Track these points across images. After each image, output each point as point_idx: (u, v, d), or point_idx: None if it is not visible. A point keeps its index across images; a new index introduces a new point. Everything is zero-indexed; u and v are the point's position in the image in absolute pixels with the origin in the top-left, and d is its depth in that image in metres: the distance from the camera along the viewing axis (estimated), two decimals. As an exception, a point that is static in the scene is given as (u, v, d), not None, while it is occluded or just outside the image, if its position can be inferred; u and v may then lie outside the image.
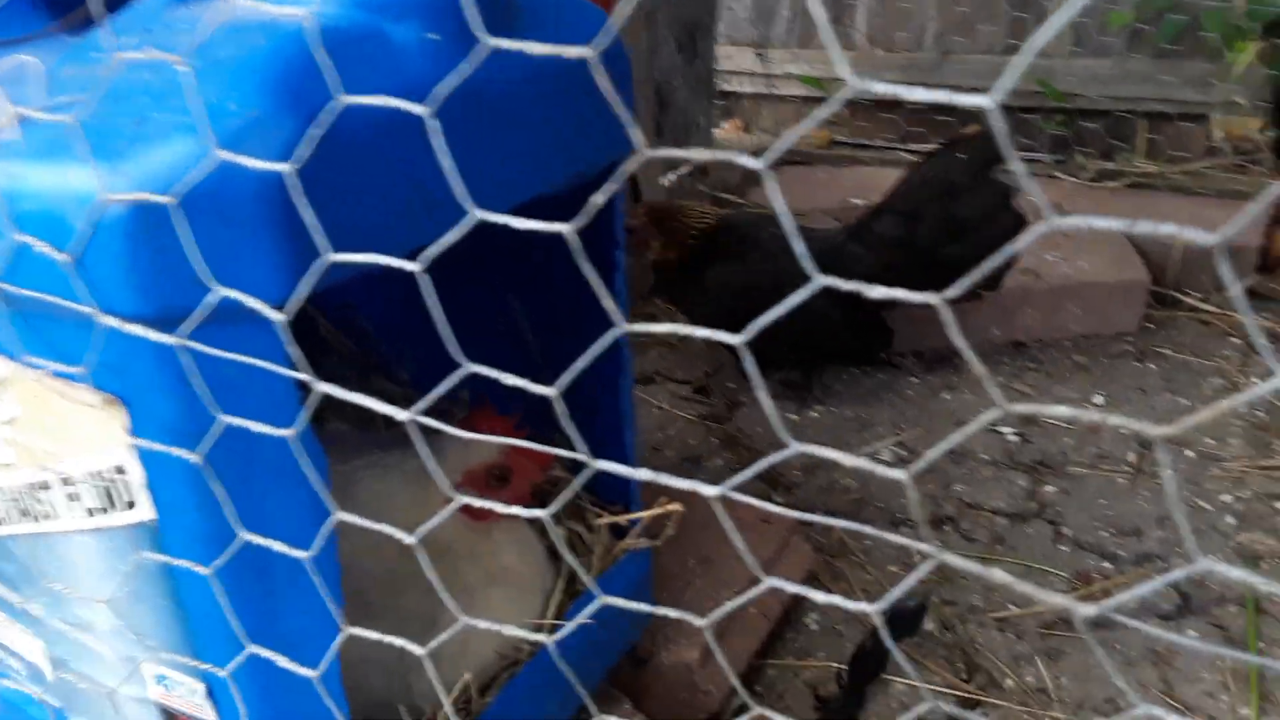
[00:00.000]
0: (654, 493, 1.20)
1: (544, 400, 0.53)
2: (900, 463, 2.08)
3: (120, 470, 0.80)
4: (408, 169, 0.76)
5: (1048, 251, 2.64)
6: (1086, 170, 3.21)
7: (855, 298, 2.23)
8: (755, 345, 0.46)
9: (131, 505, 0.81)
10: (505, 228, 0.51)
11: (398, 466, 1.15)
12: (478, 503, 0.61)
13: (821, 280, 0.43)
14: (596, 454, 0.54)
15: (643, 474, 0.53)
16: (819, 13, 0.45)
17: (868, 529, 0.50)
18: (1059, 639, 1.60)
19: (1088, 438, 2.14)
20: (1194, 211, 2.86)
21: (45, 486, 0.88)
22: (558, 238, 0.48)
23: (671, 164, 3.23)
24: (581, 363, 0.54)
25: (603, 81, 0.44)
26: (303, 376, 0.63)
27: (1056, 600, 0.43)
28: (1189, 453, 2.06)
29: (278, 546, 0.70)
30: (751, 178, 3.21)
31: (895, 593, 0.48)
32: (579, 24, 0.95)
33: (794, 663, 1.57)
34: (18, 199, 0.73)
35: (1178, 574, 0.41)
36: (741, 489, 0.51)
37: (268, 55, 0.71)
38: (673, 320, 2.73)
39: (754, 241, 2.14)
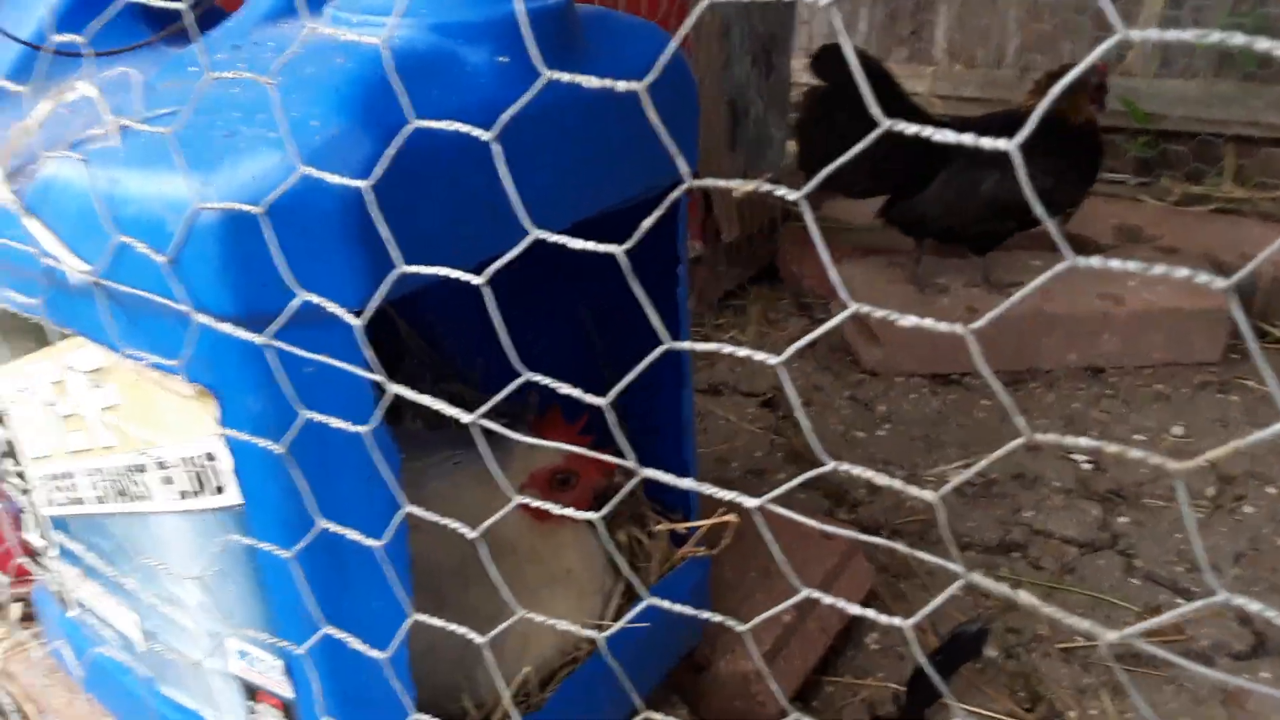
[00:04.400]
0: (715, 503, 1.22)
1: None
2: (968, 486, 2.06)
3: (211, 457, 0.86)
4: (478, 184, 0.80)
5: (1129, 277, 2.58)
6: (1172, 194, 3.13)
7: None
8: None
9: (220, 490, 0.87)
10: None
11: (468, 465, 1.20)
12: (535, 504, 0.64)
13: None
14: (657, 462, 0.57)
15: (686, 483, 0.56)
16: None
17: (898, 545, 0.52)
18: (1126, 673, 1.57)
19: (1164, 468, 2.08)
20: (1286, 238, 2.77)
21: (142, 469, 0.94)
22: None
23: (746, 174, 3.25)
24: (631, 376, 0.57)
25: (651, 114, 0.47)
26: (376, 378, 0.68)
27: (1080, 624, 0.45)
28: (1270, 489, 2.00)
29: (352, 535, 0.75)
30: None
31: (920, 615, 0.50)
32: (645, 48, 0.98)
33: (853, 681, 1.57)
34: (120, 203, 0.79)
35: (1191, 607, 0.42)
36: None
37: (349, 75, 0.76)
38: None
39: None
